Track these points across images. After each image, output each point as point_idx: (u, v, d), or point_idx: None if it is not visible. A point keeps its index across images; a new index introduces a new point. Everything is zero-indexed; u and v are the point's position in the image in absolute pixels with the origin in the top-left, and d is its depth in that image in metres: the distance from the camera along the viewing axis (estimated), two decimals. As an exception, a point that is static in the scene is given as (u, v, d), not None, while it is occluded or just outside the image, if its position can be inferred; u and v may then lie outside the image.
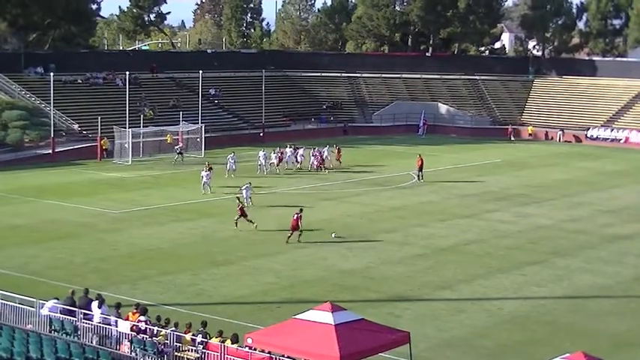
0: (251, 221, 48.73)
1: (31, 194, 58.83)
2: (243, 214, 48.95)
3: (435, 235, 49.32)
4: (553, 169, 77.62)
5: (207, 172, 60.92)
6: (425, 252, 45.51)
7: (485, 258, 44.59)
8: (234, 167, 67.43)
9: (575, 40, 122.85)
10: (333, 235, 47.17)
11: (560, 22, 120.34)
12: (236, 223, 48.68)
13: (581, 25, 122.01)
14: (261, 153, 71.26)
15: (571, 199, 62.29)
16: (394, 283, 39.50)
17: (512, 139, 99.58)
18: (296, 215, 46.78)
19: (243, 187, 55.72)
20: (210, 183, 60.55)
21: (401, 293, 38.00)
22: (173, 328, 27.42)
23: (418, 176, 67.72)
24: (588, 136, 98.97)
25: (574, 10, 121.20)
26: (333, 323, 23.28)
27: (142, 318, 28.08)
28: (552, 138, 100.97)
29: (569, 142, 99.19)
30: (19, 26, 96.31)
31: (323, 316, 23.69)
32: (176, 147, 76.16)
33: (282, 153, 72.60)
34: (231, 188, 60.09)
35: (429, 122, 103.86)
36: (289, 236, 46.42)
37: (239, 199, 50.39)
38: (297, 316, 24.56)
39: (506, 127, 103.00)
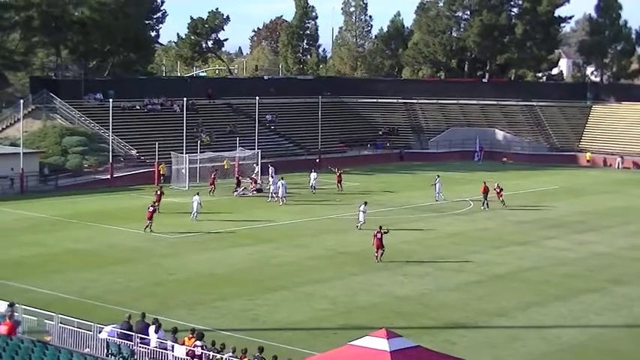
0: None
1: (90, 219, 59.54)
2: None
3: (491, 262, 48.96)
4: (611, 196, 76.75)
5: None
6: (481, 279, 45.19)
7: (542, 285, 44.15)
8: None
9: (635, 66, 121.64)
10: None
11: (618, 48, 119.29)
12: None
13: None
14: (312, 175, 73.55)
15: (630, 227, 61.49)
16: (450, 310, 39.26)
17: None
18: (380, 234, 47.87)
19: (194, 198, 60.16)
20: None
21: (457, 320, 37.75)
22: (230, 353, 27.51)
23: (484, 203, 66.91)
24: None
25: (633, 36, 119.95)
26: (389, 350, 23.17)
27: (199, 343, 28.23)
28: (611, 165, 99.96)
29: (629, 168, 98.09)
30: (79, 53, 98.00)
31: (378, 342, 23.59)
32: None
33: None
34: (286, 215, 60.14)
35: (486, 148, 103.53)
36: (376, 255, 47.69)
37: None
38: (352, 343, 24.50)
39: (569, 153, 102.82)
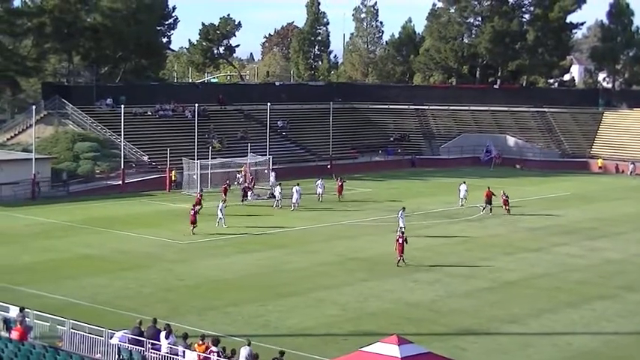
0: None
1: (102, 224, 59.66)
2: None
3: (503, 269, 48.87)
4: (624, 203, 76.55)
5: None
6: (492, 285, 45.12)
7: (553, 292, 44.05)
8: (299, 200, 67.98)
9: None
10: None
11: (631, 54, 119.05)
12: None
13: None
14: (318, 182, 72.88)
15: (642, 233, 61.39)
16: (461, 317, 39.21)
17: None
18: (401, 239, 48.19)
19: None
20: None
21: (468, 327, 37.70)
22: (248, 347, 27.61)
23: (485, 208, 66.97)
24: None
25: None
26: (400, 356, 23.21)
27: (214, 349, 28.27)
28: (623, 171, 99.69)
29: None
30: (91, 59, 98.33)
31: (389, 349, 23.63)
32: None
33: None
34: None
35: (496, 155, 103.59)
36: (399, 259, 48.08)
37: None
38: (363, 349, 24.54)
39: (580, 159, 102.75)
